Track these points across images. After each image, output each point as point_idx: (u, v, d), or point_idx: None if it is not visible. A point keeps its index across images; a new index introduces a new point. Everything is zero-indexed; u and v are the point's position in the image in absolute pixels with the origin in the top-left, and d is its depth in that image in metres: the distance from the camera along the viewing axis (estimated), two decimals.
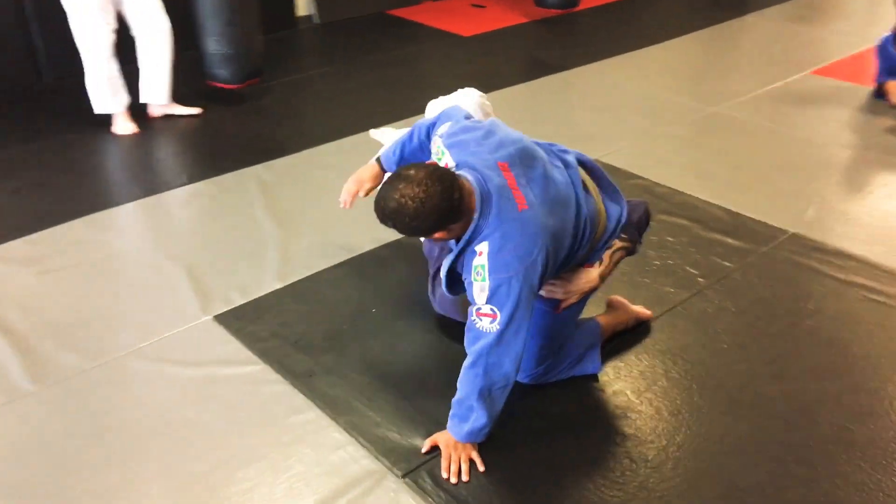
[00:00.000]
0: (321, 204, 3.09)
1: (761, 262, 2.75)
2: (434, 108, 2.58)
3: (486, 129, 1.92)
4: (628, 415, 2.08)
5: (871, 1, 6.24)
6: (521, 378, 2.10)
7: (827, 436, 2.01)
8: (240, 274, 2.67)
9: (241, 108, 4.07)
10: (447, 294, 1.95)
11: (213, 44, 3.79)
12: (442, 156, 1.91)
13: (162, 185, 3.28)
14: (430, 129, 2.07)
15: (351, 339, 2.35)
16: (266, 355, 2.28)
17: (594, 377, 2.20)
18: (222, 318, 2.43)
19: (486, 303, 1.76)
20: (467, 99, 2.53)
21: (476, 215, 1.76)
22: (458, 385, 1.87)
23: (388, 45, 5.17)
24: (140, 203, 3.15)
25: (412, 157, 2.11)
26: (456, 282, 1.90)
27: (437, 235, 1.80)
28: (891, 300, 2.54)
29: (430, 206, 1.69)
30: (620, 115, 4.03)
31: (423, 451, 1.93)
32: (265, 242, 2.86)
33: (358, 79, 4.53)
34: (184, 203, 3.17)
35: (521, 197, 1.77)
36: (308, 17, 5.49)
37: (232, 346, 2.32)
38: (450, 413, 1.91)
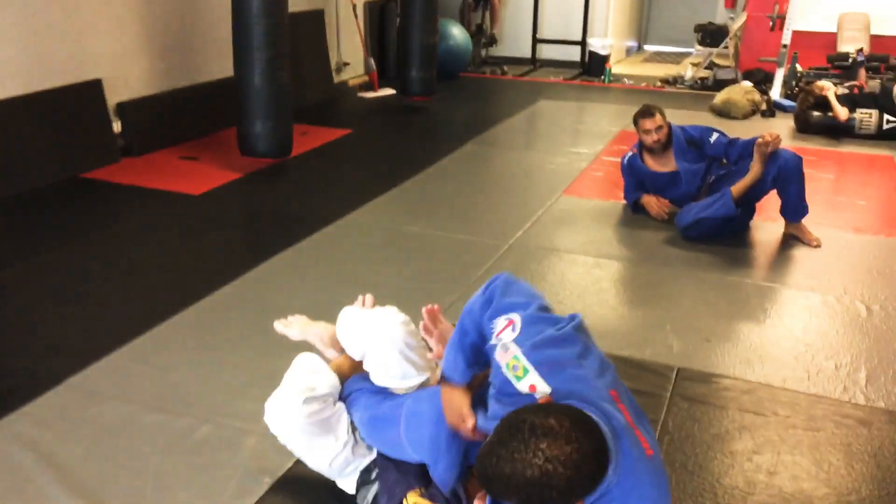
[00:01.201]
0: (129, 453, 2.21)
1: (677, 408, 2.56)
2: (346, 317, 2.00)
3: (582, 342, 1.44)
4: None
5: (528, 128, 6.73)
6: None
7: None
8: None
9: None
10: None
11: None
12: (523, 375, 1.38)
13: None
14: (483, 311, 1.57)
15: None
16: None
17: None
18: None
19: None
20: (390, 328, 1.89)
21: (610, 472, 1.25)
22: None
23: (104, 219, 4.22)
24: None
25: (480, 358, 1.59)
26: None
27: None
28: (806, 425, 2.51)
29: (587, 470, 1.18)
30: (427, 268, 3.64)
31: None
32: None
33: (82, 272, 3.53)
34: None
35: (644, 439, 1.31)
36: None
37: None
38: None
